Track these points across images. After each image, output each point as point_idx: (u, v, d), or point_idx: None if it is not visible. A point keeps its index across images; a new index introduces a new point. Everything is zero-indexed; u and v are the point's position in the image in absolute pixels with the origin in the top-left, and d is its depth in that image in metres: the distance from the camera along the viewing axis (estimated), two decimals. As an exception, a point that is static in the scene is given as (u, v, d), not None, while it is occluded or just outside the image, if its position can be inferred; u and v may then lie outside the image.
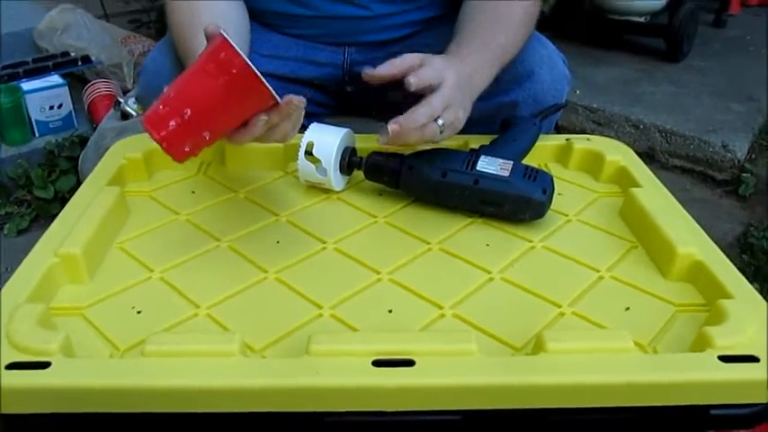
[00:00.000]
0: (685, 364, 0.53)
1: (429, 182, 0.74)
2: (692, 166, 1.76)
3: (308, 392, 0.50)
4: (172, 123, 0.59)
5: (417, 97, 0.69)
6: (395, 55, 0.71)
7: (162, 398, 0.50)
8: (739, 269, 0.63)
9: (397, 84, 0.69)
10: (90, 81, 1.73)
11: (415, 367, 0.51)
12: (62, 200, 1.50)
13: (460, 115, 0.72)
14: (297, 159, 0.77)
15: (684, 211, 0.73)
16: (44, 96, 1.60)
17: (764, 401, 0.51)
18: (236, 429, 0.52)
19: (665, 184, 0.79)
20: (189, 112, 0.59)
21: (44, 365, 0.50)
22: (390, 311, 0.62)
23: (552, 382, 0.51)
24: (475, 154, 0.75)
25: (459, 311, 0.62)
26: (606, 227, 0.75)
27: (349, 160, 0.78)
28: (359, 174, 0.80)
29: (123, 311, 0.61)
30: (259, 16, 0.95)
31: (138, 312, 0.61)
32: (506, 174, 0.72)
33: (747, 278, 0.62)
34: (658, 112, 1.84)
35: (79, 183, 1.46)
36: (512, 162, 0.73)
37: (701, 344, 0.54)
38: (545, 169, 0.83)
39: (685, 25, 2.14)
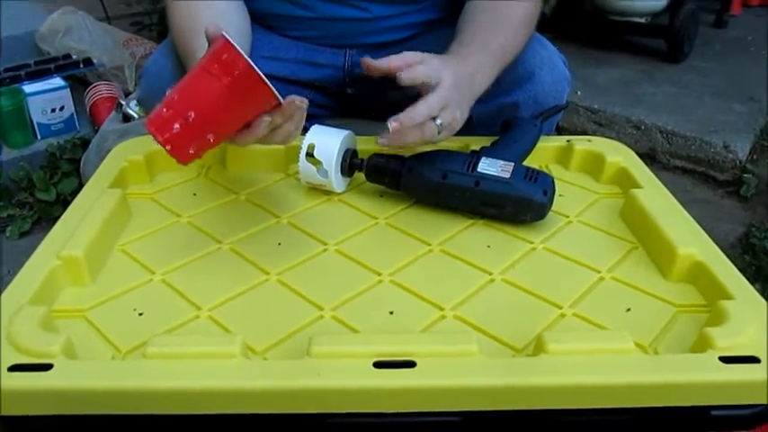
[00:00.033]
0: (686, 365, 0.53)
1: (430, 183, 0.75)
2: (693, 167, 1.75)
3: (309, 394, 0.50)
4: (176, 126, 0.59)
5: (417, 99, 0.70)
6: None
7: (164, 400, 0.50)
8: (741, 270, 0.63)
9: (397, 84, 0.69)
10: (92, 83, 1.73)
11: (416, 368, 0.51)
12: (64, 202, 1.50)
13: (458, 116, 0.72)
14: (298, 161, 0.77)
15: (685, 212, 0.73)
16: (46, 99, 1.60)
17: (765, 402, 0.51)
18: (238, 431, 0.52)
19: (665, 185, 0.79)
20: (193, 114, 0.59)
21: (46, 367, 0.50)
22: (391, 313, 0.62)
23: (553, 383, 0.51)
24: (476, 155, 0.75)
25: (460, 313, 0.62)
26: (607, 228, 0.75)
27: (350, 162, 0.78)
28: (360, 175, 0.80)
29: (125, 313, 0.62)
30: (260, 18, 0.95)
31: (140, 314, 0.61)
32: (507, 175, 0.72)
33: (749, 279, 0.62)
34: (659, 112, 1.84)
35: (81, 185, 1.46)
36: (513, 163, 0.73)
37: (701, 345, 0.54)
38: (546, 170, 0.84)
39: (686, 26, 2.13)
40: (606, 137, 0.99)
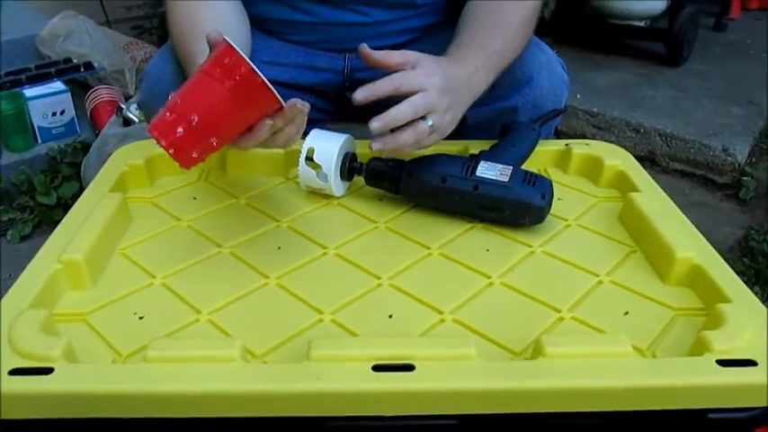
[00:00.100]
0: (684, 368, 0.53)
1: (429, 187, 0.75)
2: (692, 170, 1.76)
3: (308, 397, 0.50)
4: (179, 130, 0.59)
5: None
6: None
7: (164, 403, 0.50)
8: (740, 273, 0.64)
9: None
10: (92, 87, 1.74)
11: (414, 372, 0.51)
12: (65, 206, 1.51)
13: (448, 118, 0.72)
14: (297, 165, 0.78)
15: (683, 216, 0.73)
16: (47, 103, 1.60)
17: (763, 405, 0.51)
18: (238, 434, 0.52)
19: (664, 189, 0.79)
20: (196, 118, 0.59)
21: (47, 371, 0.51)
22: (390, 316, 0.62)
23: (551, 386, 0.51)
24: (474, 159, 0.75)
25: (458, 316, 0.62)
26: (605, 231, 0.75)
27: (349, 166, 0.79)
28: (359, 179, 0.80)
29: (125, 317, 0.62)
30: (260, 23, 0.95)
31: (141, 318, 0.62)
32: (506, 179, 0.73)
33: (748, 282, 0.62)
34: (659, 116, 1.84)
35: (82, 189, 1.47)
36: (511, 167, 0.74)
37: (699, 348, 0.55)
38: (544, 174, 0.84)
39: (685, 29, 2.14)
40: (605, 140, 1.00)
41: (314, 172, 0.77)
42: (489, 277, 0.67)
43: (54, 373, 0.51)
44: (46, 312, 0.57)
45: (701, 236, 0.70)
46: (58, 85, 1.64)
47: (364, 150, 0.80)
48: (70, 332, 0.59)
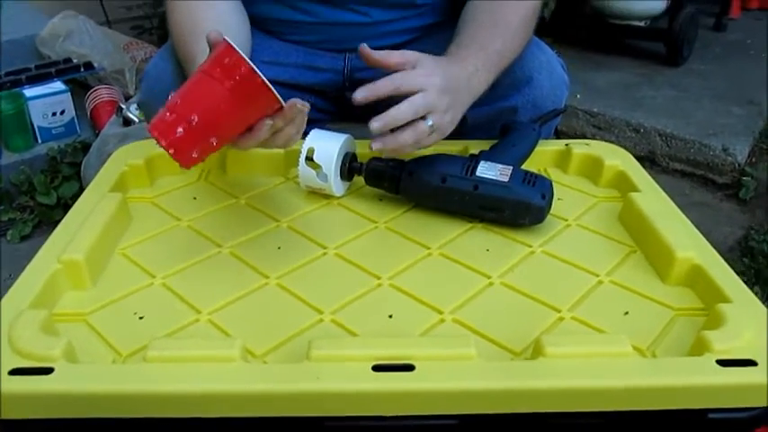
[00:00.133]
0: (683, 368, 0.53)
1: (429, 187, 0.75)
2: (692, 170, 1.76)
3: (308, 397, 0.50)
4: (179, 130, 0.59)
5: None
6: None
7: (164, 403, 0.50)
8: (740, 273, 0.64)
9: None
10: (92, 87, 1.74)
11: (414, 372, 0.51)
12: (65, 206, 1.51)
13: (449, 118, 0.72)
14: (297, 165, 0.78)
15: (683, 216, 0.73)
16: (47, 103, 1.61)
17: (763, 405, 0.51)
18: (238, 434, 0.52)
19: (665, 188, 0.79)
20: (196, 118, 0.59)
21: (47, 371, 0.51)
22: (390, 316, 0.62)
23: (551, 386, 0.51)
24: (474, 159, 0.75)
25: (458, 316, 0.62)
26: (605, 231, 0.75)
27: (349, 166, 0.79)
28: (359, 179, 0.80)
29: (125, 317, 0.62)
30: (260, 23, 0.95)
31: (141, 318, 0.62)
32: (506, 179, 0.73)
33: (748, 282, 0.62)
34: (659, 116, 1.84)
35: (82, 189, 1.47)
36: (511, 167, 0.74)
37: (699, 348, 0.55)
38: (544, 174, 0.84)
39: (685, 29, 2.14)
40: (605, 140, 1.00)
41: (314, 172, 0.77)
42: (489, 277, 0.67)
43: (54, 373, 0.51)
44: (46, 312, 0.57)
45: (700, 236, 0.70)
46: (58, 85, 1.64)
47: (364, 150, 0.80)
48: (70, 332, 0.59)
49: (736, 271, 0.64)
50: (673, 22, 2.13)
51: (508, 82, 0.86)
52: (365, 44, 0.71)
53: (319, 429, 0.51)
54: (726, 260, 0.66)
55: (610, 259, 0.70)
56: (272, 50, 0.96)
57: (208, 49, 0.64)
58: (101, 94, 1.70)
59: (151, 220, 0.77)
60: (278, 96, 0.60)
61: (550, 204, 0.74)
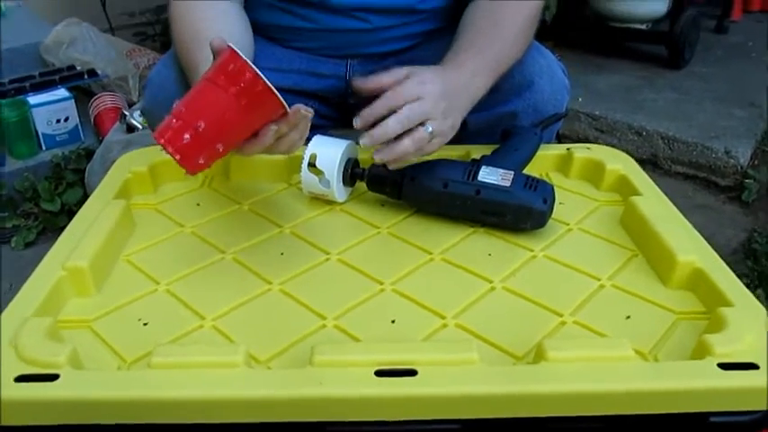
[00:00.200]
0: (685, 372, 0.53)
1: (431, 192, 0.75)
2: (694, 173, 1.76)
3: (311, 403, 0.51)
4: (186, 137, 0.59)
5: None
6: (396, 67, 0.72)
7: (168, 409, 0.51)
8: (743, 276, 0.64)
9: None
10: (96, 94, 1.74)
11: (417, 377, 0.51)
12: (69, 212, 1.51)
13: (449, 123, 0.73)
14: (300, 171, 0.78)
15: (684, 219, 0.74)
16: (51, 110, 1.61)
17: (764, 408, 0.52)
18: (242, 440, 0.53)
19: (667, 192, 0.79)
20: (202, 124, 0.59)
21: (52, 378, 0.51)
22: (393, 322, 0.62)
23: (553, 390, 0.51)
24: (476, 164, 0.76)
25: (461, 321, 0.62)
26: (607, 235, 0.75)
27: (351, 172, 0.79)
28: (361, 185, 0.80)
29: (130, 324, 0.62)
30: (262, 30, 0.96)
31: (145, 324, 0.62)
32: (507, 184, 0.73)
33: (752, 284, 0.62)
34: (661, 118, 1.84)
35: (86, 195, 1.47)
36: (513, 172, 0.74)
37: (701, 351, 0.55)
38: (546, 179, 0.84)
39: (687, 32, 2.14)
40: (607, 143, 1.00)
41: (316, 178, 0.78)
42: (491, 282, 0.67)
43: (59, 379, 0.51)
44: (51, 319, 0.58)
45: (702, 239, 0.70)
46: (61, 93, 1.65)
47: (366, 156, 0.80)
48: (75, 339, 0.59)
49: (739, 274, 0.65)
50: (674, 25, 2.13)
51: (509, 86, 0.86)
52: (357, 79, 0.72)
53: (322, 434, 0.52)
54: (729, 263, 0.66)
55: (611, 263, 0.70)
56: (275, 57, 0.97)
57: (211, 57, 0.64)
58: (104, 100, 1.71)
59: (155, 226, 0.77)
60: (283, 102, 0.61)
61: (552, 209, 0.74)
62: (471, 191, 0.73)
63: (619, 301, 0.65)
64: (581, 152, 0.87)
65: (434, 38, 0.97)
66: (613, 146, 0.90)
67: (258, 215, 0.79)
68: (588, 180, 0.86)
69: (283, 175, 0.86)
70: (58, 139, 1.63)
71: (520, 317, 0.63)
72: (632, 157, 0.88)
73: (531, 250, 0.72)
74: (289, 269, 0.69)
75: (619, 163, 0.84)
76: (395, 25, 0.95)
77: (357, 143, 0.81)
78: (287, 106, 0.61)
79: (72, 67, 1.76)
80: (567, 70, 0.94)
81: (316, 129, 0.79)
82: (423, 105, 0.70)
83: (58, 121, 1.63)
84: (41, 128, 1.61)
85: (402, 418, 0.51)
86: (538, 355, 0.54)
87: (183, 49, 0.85)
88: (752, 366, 0.52)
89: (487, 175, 0.74)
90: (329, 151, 0.77)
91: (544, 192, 0.73)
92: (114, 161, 0.86)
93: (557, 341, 0.56)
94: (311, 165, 0.77)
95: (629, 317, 0.63)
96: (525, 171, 0.78)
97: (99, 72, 1.77)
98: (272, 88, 0.59)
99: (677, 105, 1.93)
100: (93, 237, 0.68)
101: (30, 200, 1.55)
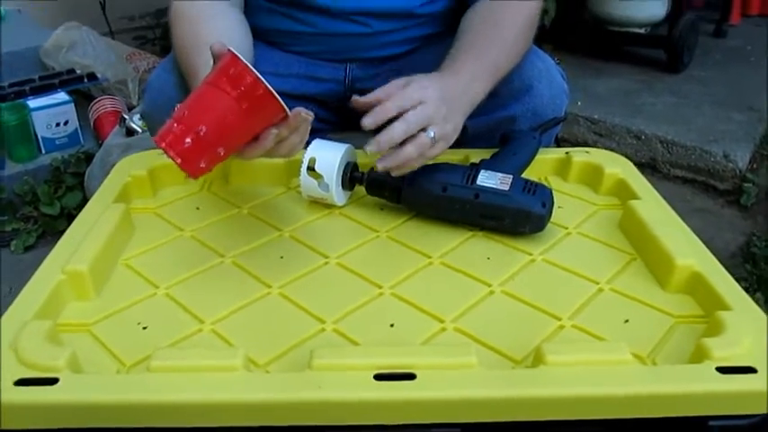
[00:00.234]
0: (684, 376, 0.53)
1: (430, 196, 0.75)
2: (693, 177, 1.76)
3: (310, 406, 0.51)
4: (187, 141, 0.60)
5: None
6: (396, 71, 0.73)
7: (167, 413, 0.51)
8: (742, 279, 0.64)
9: None
10: (96, 98, 1.75)
11: (416, 381, 0.51)
12: (68, 216, 1.51)
13: (450, 127, 0.73)
14: (299, 175, 0.78)
15: (683, 223, 0.74)
16: (50, 113, 1.61)
17: (763, 412, 0.52)
18: (241, 443, 0.53)
19: (666, 195, 0.80)
20: (204, 128, 0.60)
21: (52, 381, 0.51)
22: (392, 325, 0.62)
23: (552, 394, 0.51)
24: (475, 168, 0.76)
25: (460, 325, 0.62)
26: (605, 239, 0.75)
27: (351, 175, 0.79)
28: (360, 189, 0.81)
29: (129, 327, 0.62)
30: (262, 35, 0.96)
31: (144, 328, 0.62)
32: (506, 188, 0.73)
33: (750, 288, 0.62)
34: (659, 122, 1.85)
35: (85, 199, 1.47)
36: (511, 176, 0.74)
37: (699, 355, 0.55)
38: (545, 183, 0.85)
39: (686, 36, 2.14)
40: (606, 147, 1.01)
41: (315, 182, 0.78)
42: (490, 285, 0.68)
43: (59, 383, 0.51)
44: (50, 323, 0.58)
45: (700, 243, 0.70)
46: (61, 96, 1.65)
47: (365, 160, 0.81)
48: (74, 342, 0.59)
49: (737, 277, 0.65)
50: (673, 29, 2.13)
51: (508, 91, 0.86)
52: (355, 98, 0.72)
53: (322, 438, 0.52)
54: (727, 267, 0.66)
55: (610, 267, 0.70)
56: (274, 61, 0.97)
57: (211, 62, 0.64)
58: (104, 104, 1.71)
59: (154, 230, 0.77)
60: (283, 105, 0.61)
61: (551, 212, 0.74)
62: (470, 195, 0.74)
63: (617, 305, 0.65)
64: (580, 156, 0.87)
65: (433, 42, 0.98)
66: (612, 150, 0.90)
67: (257, 219, 0.80)
68: (587, 184, 0.86)
69: (282, 178, 0.86)
70: (57, 142, 1.63)
71: (518, 321, 0.63)
72: (631, 160, 0.88)
73: (530, 254, 0.73)
74: (288, 273, 0.69)
75: (617, 167, 0.85)
76: (394, 29, 0.95)
77: (356, 147, 0.82)
78: (288, 110, 0.62)
79: (72, 71, 1.77)
80: (566, 74, 0.94)
81: (315, 132, 0.79)
82: (425, 110, 0.70)
83: (58, 124, 1.63)
84: (41, 131, 1.61)
85: (401, 422, 0.51)
86: (536, 358, 0.54)
87: (182, 54, 0.85)
88: (750, 370, 0.52)
89: (486, 178, 0.74)
90: (328, 155, 0.78)
91: (543, 195, 0.73)
92: (114, 165, 0.86)
93: (555, 345, 0.56)
94: (310, 168, 0.77)
95: (627, 321, 0.63)
96: (524, 175, 0.78)
97: (99, 76, 1.77)
98: (273, 92, 0.60)
99: (676, 109, 1.94)
100: (93, 240, 0.68)
101: (29, 203, 1.55)
